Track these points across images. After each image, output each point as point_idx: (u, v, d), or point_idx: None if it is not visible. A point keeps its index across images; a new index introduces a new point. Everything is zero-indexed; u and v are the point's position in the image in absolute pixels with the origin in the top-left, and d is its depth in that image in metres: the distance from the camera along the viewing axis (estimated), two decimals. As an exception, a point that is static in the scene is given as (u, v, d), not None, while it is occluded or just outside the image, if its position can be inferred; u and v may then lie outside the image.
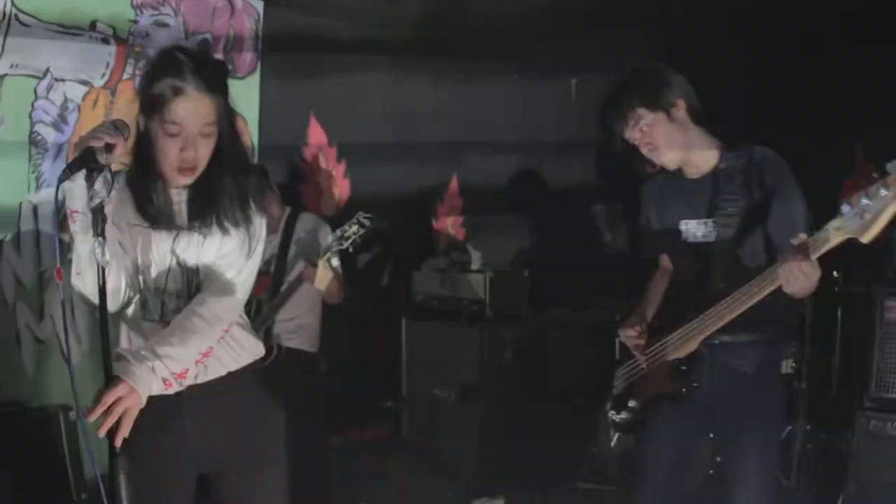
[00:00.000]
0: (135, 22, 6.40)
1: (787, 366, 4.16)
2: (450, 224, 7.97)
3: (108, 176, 2.86)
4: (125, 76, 6.43)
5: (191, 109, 3.13)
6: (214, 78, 3.24)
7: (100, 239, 2.84)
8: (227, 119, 3.24)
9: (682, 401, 3.99)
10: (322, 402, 6.11)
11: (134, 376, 2.95)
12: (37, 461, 5.44)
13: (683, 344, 3.96)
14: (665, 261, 4.47)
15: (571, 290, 7.32)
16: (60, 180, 2.84)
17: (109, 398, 2.89)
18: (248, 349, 3.46)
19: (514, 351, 6.92)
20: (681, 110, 4.02)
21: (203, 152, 3.18)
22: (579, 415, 5.86)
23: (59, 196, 2.83)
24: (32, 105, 6.25)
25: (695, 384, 3.96)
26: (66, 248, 3.07)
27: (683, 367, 3.97)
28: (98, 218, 2.85)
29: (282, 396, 3.70)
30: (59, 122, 6.18)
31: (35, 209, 6.13)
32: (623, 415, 4.36)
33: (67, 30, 6.36)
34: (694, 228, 4.08)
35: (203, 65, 3.22)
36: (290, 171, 7.19)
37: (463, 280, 7.08)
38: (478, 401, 6.79)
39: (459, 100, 7.94)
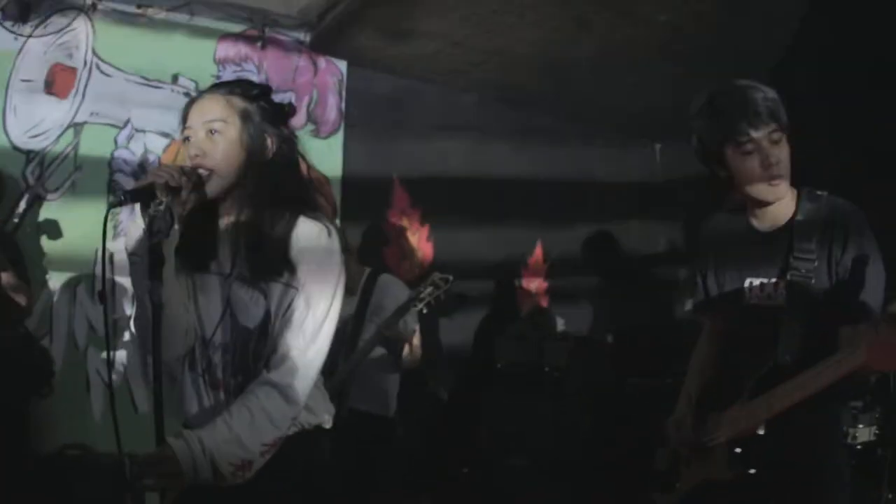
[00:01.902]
0: (217, 77, 6.45)
1: (869, 433, 3.71)
2: (534, 289, 7.74)
3: (168, 216, 2.73)
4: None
5: (197, 108, 3.02)
6: (233, 84, 3.12)
7: (156, 282, 2.70)
8: (253, 136, 3.00)
9: (735, 489, 3.42)
10: (397, 466, 5.90)
11: (187, 462, 2.74)
12: None
13: (741, 425, 3.38)
14: (716, 323, 3.88)
15: (653, 357, 6.96)
16: (112, 205, 2.76)
17: (154, 473, 2.76)
18: (318, 412, 3.17)
19: (593, 420, 6.60)
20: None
21: (212, 151, 2.95)
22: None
23: (110, 222, 2.74)
24: (112, 154, 6.45)
25: (751, 471, 3.38)
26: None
27: (738, 451, 3.39)
28: (155, 259, 2.71)
29: (354, 461, 3.47)
30: (139, 172, 6.28)
31: (111, 257, 6.08)
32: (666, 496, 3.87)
33: (149, 82, 6.57)
34: (760, 288, 3.51)
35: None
36: (373, 233, 7.05)
37: (546, 347, 6.84)
38: (554, 470, 6.46)
39: (543, 163, 7.76)
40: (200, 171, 2.91)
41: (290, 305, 2.94)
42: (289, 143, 3.10)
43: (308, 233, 2.97)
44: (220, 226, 3.05)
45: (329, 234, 2.99)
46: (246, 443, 2.82)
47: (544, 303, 7.81)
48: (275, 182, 3.01)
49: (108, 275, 6.05)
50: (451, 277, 5.48)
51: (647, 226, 8.15)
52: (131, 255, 2.85)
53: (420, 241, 7.35)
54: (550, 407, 6.68)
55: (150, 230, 2.71)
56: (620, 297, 7.77)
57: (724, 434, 3.45)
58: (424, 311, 5.50)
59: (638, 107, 7.31)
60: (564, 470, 6.53)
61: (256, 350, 3.00)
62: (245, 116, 2.99)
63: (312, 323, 2.94)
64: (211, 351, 3.06)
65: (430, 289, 5.45)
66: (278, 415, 2.88)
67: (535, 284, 7.77)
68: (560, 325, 7.56)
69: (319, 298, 2.95)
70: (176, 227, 2.79)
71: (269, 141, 3.01)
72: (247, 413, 2.85)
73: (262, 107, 3.05)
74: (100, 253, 6.02)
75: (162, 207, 2.72)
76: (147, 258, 2.72)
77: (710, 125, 3.52)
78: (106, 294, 2.95)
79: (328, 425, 3.19)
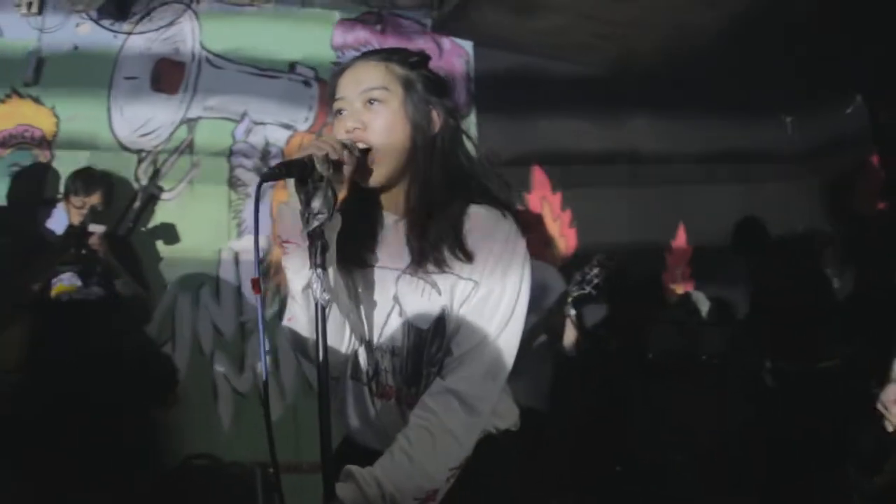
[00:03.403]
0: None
1: None
2: (679, 274, 7.39)
3: (330, 193, 2.30)
4: (330, 119, 6.17)
5: (350, 77, 2.61)
6: (389, 52, 2.70)
7: (318, 271, 2.26)
8: (417, 106, 2.59)
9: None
10: (549, 463, 5.54)
11: None
12: None
13: None
14: None
15: (805, 339, 6.57)
16: (263, 178, 2.28)
17: None
18: (502, 415, 2.72)
19: (751, 408, 6.20)
20: None
21: (373, 123, 2.55)
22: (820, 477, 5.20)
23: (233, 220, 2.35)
24: (230, 149, 6.24)
25: None
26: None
27: None
28: (317, 245, 2.27)
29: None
30: (261, 166, 6.02)
31: (236, 256, 6.03)
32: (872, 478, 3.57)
33: (264, 72, 6.36)
34: None
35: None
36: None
37: (702, 333, 6.48)
38: (713, 463, 6.07)
39: (681, 141, 7.36)
40: (362, 145, 2.50)
41: (467, 300, 2.50)
42: (454, 116, 2.67)
43: (483, 218, 2.54)
44: (384, 212, 2.66)
45: (505, 217, 2.55)
46: (430, 471, 2.38)
47: (690, 287, 7.46)
48: (443, 160, 2.60)
49: (232, 278, 5.92)
50: (615, 257, 5.22)
51: (785, 202, 7.80)
52: (285, 242, 2.46)
53: (563, 227, 6.95)
54: (708, 397, 6.27)
55: (308, 211, 2.28)
56: (765, 276, 7.46)
57: None
58: (593, 293, 5.17)
59: (768, 79, 6.96)
60: (725, 465, 6.12)
61: (430, 354, 2.55)
62: (407, 85, 2.58)
63: (495, 319, 2.50)
64: (378, 356, 2.62)
65: (596, 269, 5.14)
66: (463, 431, 2.43)
67: (680, 268, 7.42)
68: (706, 309, 7.19)
69: (503, 291, 2.51)
70: (336, 207, 2.33)
71: (434, 113, 2.59)
72: (427, 436, 2.39)
73: (425, 75, 2.63)
74: (223, 253, 5.87)
75: (322, 183, 2.28)
76: (307, 244, 2.29)
77: None
78: (260, 282, 2.40)
79: (516, 429, 2.76)
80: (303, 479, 2.52)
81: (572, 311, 5.34)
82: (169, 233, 6.04)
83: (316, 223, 2.25)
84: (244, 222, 5.99)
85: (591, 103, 6.97)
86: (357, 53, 2.61)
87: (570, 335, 5.43)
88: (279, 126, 6.24)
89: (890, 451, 3.48)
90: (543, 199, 6.87)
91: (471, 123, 6.69)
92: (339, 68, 2.62)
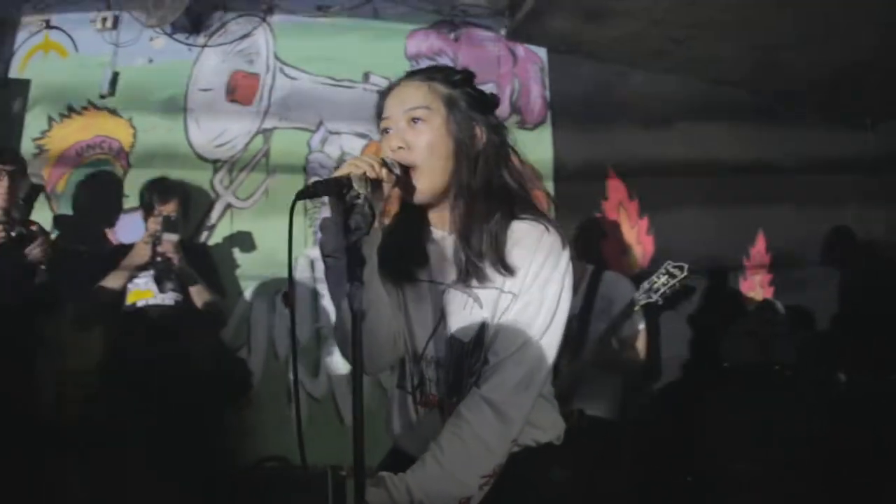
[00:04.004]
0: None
1: None
2: (758, 282, 7.29)
3: (368, 210, 2.35)
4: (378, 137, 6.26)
5: (395, 97, 2.66)
6: (432, 70, 2.75)
7: (355, 283, 2.28)
8: (460, 124, 2.63)
9: None
10: (625, 473, 5.48)
11: None
12: None
13: None
14: None
15: (883, 351, 6.45)
16: (298, 196, 2.34)
17: None
18: (543, 427, 2.73)
19: (827, 420, 6.09)
20: None
21: (416, 142, 2.59)
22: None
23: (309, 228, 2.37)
24: (306, 158, 6.32)
25: None
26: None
27: None
28: (354, 259, 2.31)
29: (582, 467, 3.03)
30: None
31: (312, 264, 6.11)
32: None
33: (339, 82, 6.42)
34: None
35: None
36: (589, 228, 6.47)
37: (775, 343, 6.36)
38: (787, 476, 5.96)
39: (762, 148, 7.18)
40: (405, 163, 2.55)
41: (506, 311, 2.54)
42: (499, 132, 2.70)
43: (526, 233, 2.57)
44: (430, 229, 2.71)
45: (548, 231, 2.58)
46: (461, 478, 2.43)
47: (769, 295, 7.36)
48: (487, 177, 2.62)
49: (308, 284, 5.96)
50: (686, 266, 5.09)
51: (866, 208, 7.69)
52: (326, 256, 2.52)
53: (640, 235, 6.88)
54: (781, 408, 6.17)
55: (346, 227, 2.33)
56: (848, 286, 7.34)
57: None
58: (660, 302, 5.10)
59: (848, 83, 6.87)
60: (798, 477, 6.01)
61: (471, 365, 2.59)
62: (450, 103, 2.62)
63: (532, 330, 2.53)
64: (423, 366, 2.69)
65: (664, 278, 5.08)
66: (494, 439, 2.46)
67: (759, 276, 7.34)
68: (785, 319, 7.08)
69: (542, 302, 2.54)
70: (377, 224, 2.43)
71: (477, 130, 2.63)
72: (458, 443, 2.45)
73: (468, 93, 2.67)
74: (299, 260, 5.92)
75: (360, 201, 2.33)
76: (344, 259, 2.33)
77: None
78: (292, 297, 2.47)
79: (559, 442, 2.75)
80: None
81: (641, 321, 5.35)
82: (245, 241, 6.11)
83: (354, 238, 2.29)
84: (318, 230, 6.00)
85: (667, 110, 6.91)
86: (431, 62, 2.66)
87: (640, 345, 5.41)
88: (354, 135, 6.29)
89: None
90: (620, 206, 6.80)
91: (546, 130, 6.67)
92: (386, 88, 2.71)
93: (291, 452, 5.59)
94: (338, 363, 6.01)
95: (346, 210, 2.34)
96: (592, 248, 6.26)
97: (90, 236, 6.03)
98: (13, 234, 4.85)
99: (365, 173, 2.38)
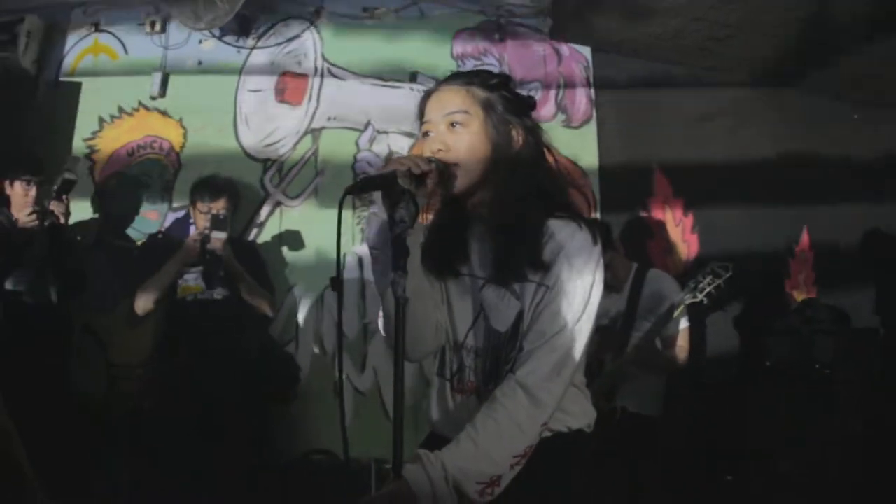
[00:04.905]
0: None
1: None
2: (802, 280, 7.26)
3: (412, 205, 2.49)
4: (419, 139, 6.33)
5: (435, 101, 2.78)
6: (470, 75, 2.85)
7: (399, 272, 2.43)
8: (497, 127, 2.74)
9: None
10: (660, 472, 5.50)
11: (425, 493, 2.46)
12: None
13: None
14: None
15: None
16: (347, 191, 2.45)
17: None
18: (575, 415, 2.83)
19: (865, 421, 6.06)
20: None
21: (456, 145, 2.70)
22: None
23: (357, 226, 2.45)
24: (354, 157, 6.38)
25: None
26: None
27: None
28: (398, 251, 2.45)
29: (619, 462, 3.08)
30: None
31: (360, 261, 6.20)
32: None
33: (386, 82, 6.50)
34: None
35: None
36: (635, 226, 6.67)
37: (816, 341, 6.34)
38: (826, 476, 5.95)
39: (807, 145, 7.09)
40: (446, 162, 2.66)
41: (540, 304, 2.64)
42: (534, 134, 2.81)
43: (560, 229, 2.67)
44: (470, 226, 2.82)
45: (581, 228, 2.67)
46: (494, 457, 2.53)
47: (813, 294, 7.33)
48: (524, 177, 2.73)
49: (356, 281, 6.03)
50: (730, 265, 5.13)
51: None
52: (372, 248, 2.68)
53: (684, 232, 6.87)
54: (820, 407, 6.15)
55: (392, 220, 2.47)
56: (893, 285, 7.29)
57: None
58: (705, 301, 5.11)
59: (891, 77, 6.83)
60: (833, 476, 6.00)
61: (507, 353, 2.71)
62: (488, 107, 2.73)
63: (564, 320, 2.63)
64: (463, 355, 2.81)
65: (709, 278, 5.11)
66: (526, 420, 2.57)
67: (803, 275, 7.31)
68: (828, 318, 7.04)
69: (574, 296, 2.64)
70: (420, 219, 2.56)
71: (514, 132, 2.75)
72: (493, 424, 2.55)
73: (505, 96, 2.78)
74: (347, 258, 6.01)
75: (405, 196, 2.47)
76: (390, 250, 2.47)
77: None
78: (340, 283, 2.58)
79: (589, 430, 2.84)
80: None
81: (685, 320, 5.36)
82: (294, 239, 6.21)
83: (398, 230, 2.43)
84: (368, 229, 6.06)
85: (711, 107, 6.91)
86: (477, 62, 2.74)
87: (683, 343, 5.42)
88: (402, 134, 6.34)
89: None
90: (665, 204, 6.79)
91: (591, 129, 6.68)
92: (426, 93, 2.83)
93: (337, 446, 5.66)
94: (383, 358, 6.07)
95: (392, 204, 2.47)
96: (638, 246, 6.31)
97: (139, 234, 6.20)
98: (46, 223, 5.09)
99: (409, 169, 2.49)
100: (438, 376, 2.89)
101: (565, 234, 2.65)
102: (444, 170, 2.63)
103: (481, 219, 2.76)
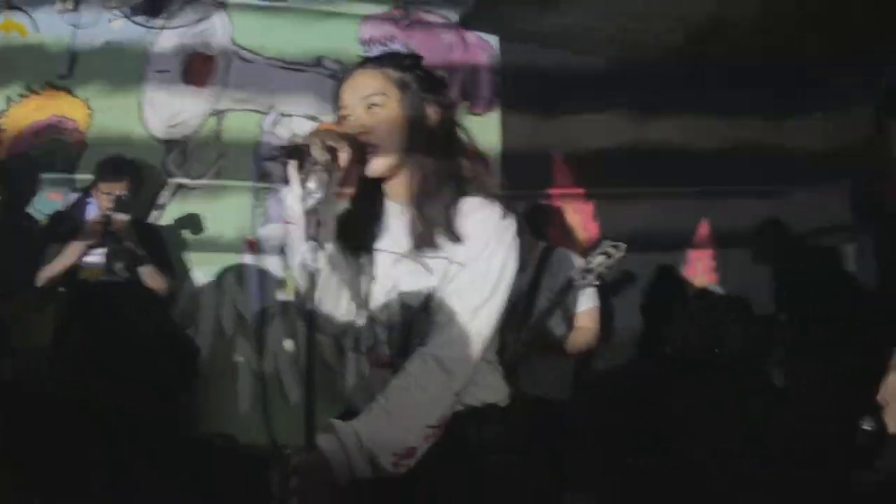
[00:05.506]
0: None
1: None
2: (701, 268, 7.37)
3: (325, 176, 2.50)
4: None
5: (350, 86, 2.78)
6: (383, 58, 2.88)
7: (312, 244, 2.47)
8: (413, 105, 2.76)
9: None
10: (563, 455, 5.54)
11: (340, 463, 2.49)
12: (246, 499, 5.17)
13: None
14: None
15: (826, 335, 6.52)
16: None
17: (301, 474, 2.45)
18: (487, 389, 2.87)
19: (768, 404, 6.17)
20: None
21: (375, 125, 2.72)
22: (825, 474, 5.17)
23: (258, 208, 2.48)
24: (257, 140, 6.34)
25: None
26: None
27: None
28: (311, 221, 2.49)
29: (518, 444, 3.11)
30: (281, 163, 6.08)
31: (261, 245, 6.20)
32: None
33: (291, 65, 6.48)
34: None
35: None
36: (535, 213, 6.50)
37: (717, 328, 6.43)
38: (731, 460, 6.06)
39: (706, 136, 7.23)
40: (364, 143, 2.69)
41: (453, 280, 2.69)
42: (449, 110, 2.87)
43: (474, 207, 2.73)
44: (386, 203, 2.87)
45: (494, 205, 2.73)
46: (407, 427, 2.56)
47: (712, 281, 7.44)
48: (439, 154, 2.78)
49: (256, 265, 6.05)
50: (623, 244, 5.15)
51: (813, 197, 7.73)
52: (286, 222, 2.67)
53: (585, 220, 6.96)
54: (723, 392, 6.25)
55: (305, 191, 2.49)
56: (794, 274, 7.41)
57: None
58: (596, 282, 5.19)
59: (798, 73, 6.93)
60: (741, 460, 6.11)
61: (420, 328, 2.74)
62: (403, 86, 2.76)
63: (476, 294, 2.69)
64: (376, 329, 2.84)
65: (600, 258, 5.12)
66: (439, 390, 2.61)
67: (702, 263, 7.41)
68: (726, 305, 7.14)
69: (486, 273, 2.70)
70: (333, 192, 2.57)
71: (430, 110, 2.79)
72: (403, 394, 2.59)
73: (418, 75, 2.82)
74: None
75: (318, 167, 2.49)
76: (303, 221, 2.52)
77: None
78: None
79: (503, 404, 2.90)
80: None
81: (586, 301, 5.39)
82: (196, 221, 6.20)
83: (311, 202, 2.45)
84: (268, 211, 6.11)
85: (616, 98, 6.99)
86: (383, 48, 2.81)
87: (590, 323, 5.47)
88: (305, 118, 6.32)
89: (887, 445, 3.47)
90: (566, 192, 6.87)
91: (494, 117, 6.77)
92: (341, 79, 2.81)
93: (237, 430, 5.71)
94: (283, 342, 6.10)
95: (306, 175, 2.48)
96: (538, 233, 6.34)
97: (42, 215, 6.13)
98: None
99: (324, 141, 2.51)
100: (353, 351, 2.92)
101: (480, 212, 2.71)
102: (361, 149, 2.65)
103: (397, 196, 2.80)
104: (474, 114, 6.73)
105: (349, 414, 2.77)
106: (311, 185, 2.46)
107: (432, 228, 2.69)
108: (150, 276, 5.58)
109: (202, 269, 6.19)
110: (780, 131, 7.38)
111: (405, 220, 2.77)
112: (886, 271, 6.54)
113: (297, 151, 2.49)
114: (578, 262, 5.46)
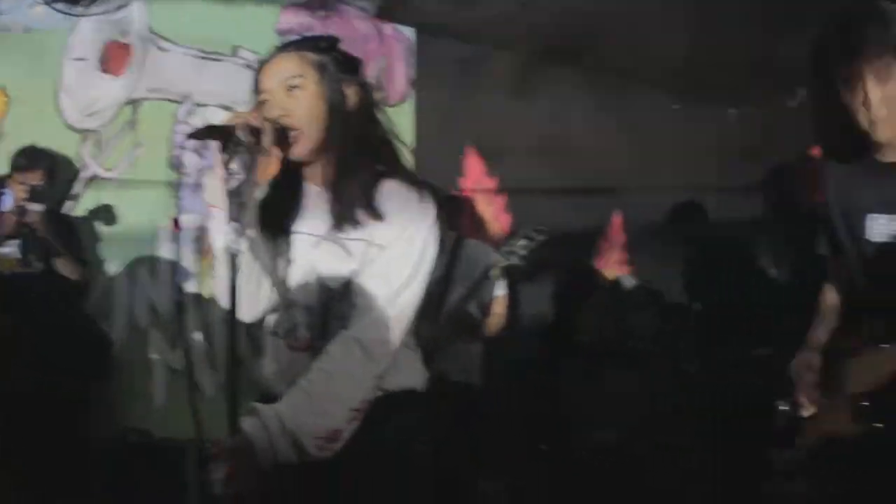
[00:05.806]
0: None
1: None
2: (613, 260, 7.44)
3: (248, 158, 2.52)
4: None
5: (269, 71, 2.79)
6: (300, 42, 2.92)
7: (234, 225, 2.47)
8: (332, 86, 2.78)
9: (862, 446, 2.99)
10: (477, 439, 5.61)
11: (264, 446, 2.51)
12: (164, 494, 5.27)
13: (868, 375, 3.00)
14: (838, 267, 3.36)
15: (739, 327, 6.62)
16: (189, 136, 2.54)
17: (225, 458, 2.47)
18: (406, 373, 2.89)
19: (681, 392, 6.26)
20: None
21: (295, 108, 2.74)
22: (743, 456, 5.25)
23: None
24: (173, 130, 6.33)
25: (879, 425, 2.95)
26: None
27: (865, 404, 2.98)
28: (234, 202, 2.53)
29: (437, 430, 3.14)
30: (201, 147, 6.07)
31: (175, 236, 6.16)
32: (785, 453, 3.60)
33: (208, 55, 6.47)
34: (885, 226, 3.01)
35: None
36: (446, 203, 6.61)
37: (628, 318, 6.53)
38: (641, 445, 6.15)
39: (621, 131, 7.29)
40: (285, 126, 2.71)
41: (373, 262, 2.72)
42: (367, 90, 2.89)
43: (395, 189, 2.75)
44: (306, 186, 2.88)
45: (414, 188, 2.76)
46: (329, 410, 2.58)
47: (624, 273, 7.51)
48: (359, 135, 2.81)
49: (170, 256, 6.04)
50: (545, 228, 5.30)
51: (726, 195, 7.80)
52: (210, 206, 2.68)
53: (497, 212, 7.01)
54: (634, 380, 6.34)
55: (227, 172, 2.51)
56: (706, 266, 7.48)
57: (852, 385, 3.07)
58: (520, 264, 5.27)
59: (712, 67, 7.02)
60: (652, 446, 6.20)
61: (339, 310, 2.76)
62: (321, 68, 2.78)
63: (397, 277, 2.72)
64: (295, 312, 2.83)
65: (523, 241, 5.25)
66: (360, 372, 2.63)
67: (614, 254, 7.48)
68: (640, 296, 7.24)
69: (406, 256, 2.73)
70: (256, 174, 2.56)
71: (348, 91, 2.80)
72: (325, 377, 2.60)
73: (335, 57, 2.85)
74: (162, 232, 5.98)
75: (241, 148, 2.50)
76: (227, 204, 2.51)
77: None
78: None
79: (421, 388, 2.93)
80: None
81: (500, 288, 5.47)
82: (109, 212, 6.17)
83: (235, 183, 2.47)
84: (182, 200, 6.11)
85: (530, 92, 7.00)
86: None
87: (500, 311, 5.55)
88: (220, 108, 6.28)
89: (801, 423, 3.49)
90: (478, 183, 6.95)
91: (409, 108, 6.80)
92: (259, 65, 2.83)
93: (152, 424, 5.73)
94: (196, 335, 6.08)
95: (229, 156, 2.50)
96: (450, 224, 6.38)
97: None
98: None
99: (247, 122, 2.53)
100: (272, 335, 2.91)
101: (398, 194, 2.73)
102: (283, 132, 2.67)
103: (317, 179, 2.82)
104: (388, 105, 6.65)
105: (270, 398, 2.76)
106: (235, 165, 2.48)
107: (352, 206, 2.70)
108: (64, 267, 5.58)
109: (116, 261, 6.15)
110: (697, 125, 7.46)
111: (324, 201, 2.78)
112: (797, 261, 6.62)
113: (220, 131, 2.51)
114: (488, 249, 5.62)
